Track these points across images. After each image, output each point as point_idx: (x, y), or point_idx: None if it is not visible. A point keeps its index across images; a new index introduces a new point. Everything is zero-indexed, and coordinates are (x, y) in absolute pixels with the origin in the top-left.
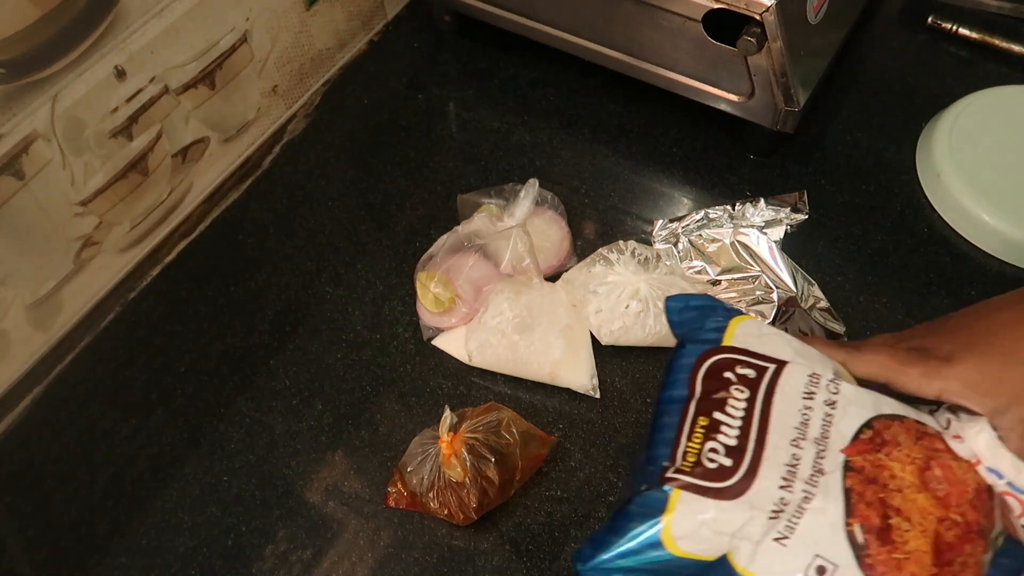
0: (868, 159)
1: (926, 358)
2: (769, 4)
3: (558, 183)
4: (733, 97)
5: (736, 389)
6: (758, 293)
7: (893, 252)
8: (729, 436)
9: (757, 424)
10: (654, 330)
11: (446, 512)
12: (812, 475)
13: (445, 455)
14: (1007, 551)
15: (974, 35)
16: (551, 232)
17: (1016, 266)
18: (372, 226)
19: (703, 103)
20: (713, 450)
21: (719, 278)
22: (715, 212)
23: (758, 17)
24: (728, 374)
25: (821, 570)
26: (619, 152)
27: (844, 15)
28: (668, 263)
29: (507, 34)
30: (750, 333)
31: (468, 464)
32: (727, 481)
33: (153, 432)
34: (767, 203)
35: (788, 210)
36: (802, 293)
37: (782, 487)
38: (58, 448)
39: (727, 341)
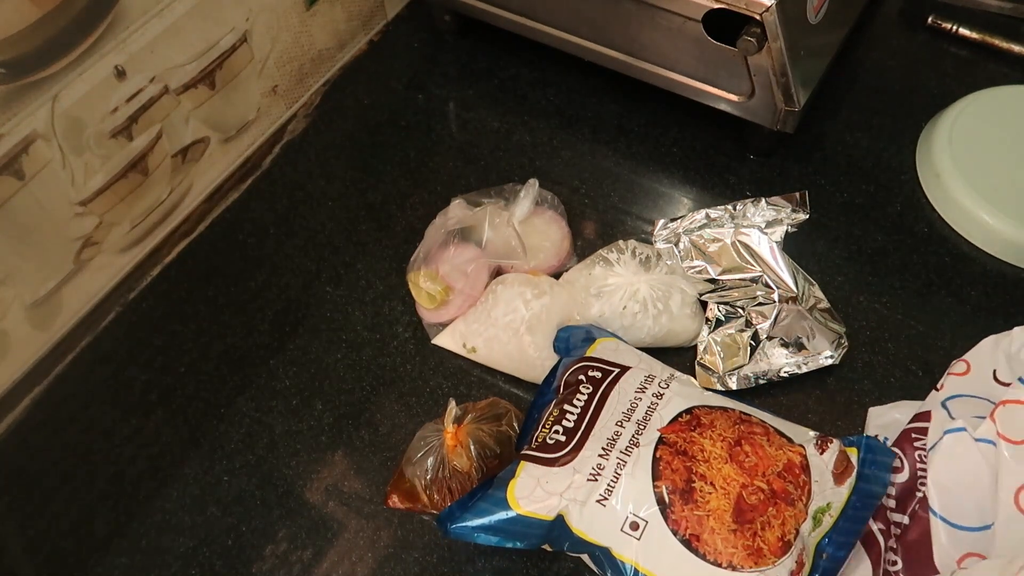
0: (868, 159)
1: None
2: (769, 4)
3: (558, 183)
4: (733, 97)
5: (584, 387)
6: (759, 293)
7: (893, 252)
8: (569, 421)
9: (592, 411)
10: (652, 331)
11: (448, 504)
12: (628, 447)
13: (450, 446)
14: (841, 530)
15: (974, 35)
16: (551, 232)
17: (1016, 266)
18: (372, 226)
19: (703, 103)
20: (556, 431)
21: (720, 278)
22: (716, 212)
23: (758, 17)
24: (581, 376)
25: (635, 525)
26: (619, 152)
27: (844, 15)
28: (669, 263)
29: (507, 34)
30: (608, 348)
31: (473, 454)
32: (559, 452)
33: (153, 432)
34: (767, 203)
35: (788, 210)
36: (803, 293)
37: (600, 455)
38: (58, 448)
39: (588, 353)
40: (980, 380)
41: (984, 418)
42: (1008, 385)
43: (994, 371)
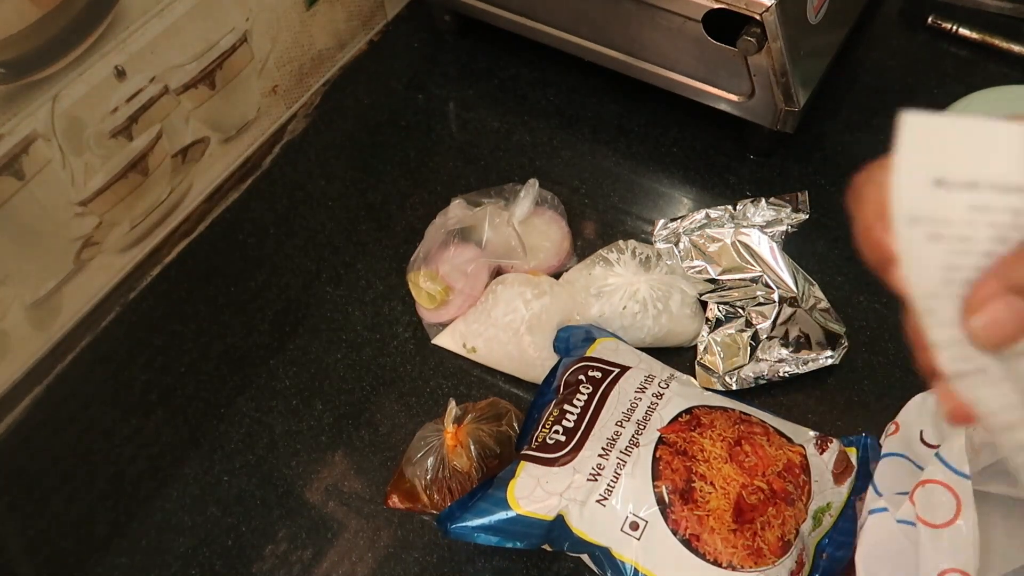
0: (868, 159)
1: None
2: (769, 4)
3: (558, 183)
4: (733, 97)
5: (584, 387)
6: (759, 293)
7: None
8: (569, 421)
9: (592, 411)
10: (652, 331)
11: (448, 504)
12: (628, 447)
13: (450, 446)
14: (841, 529)
15: (974, 35)
16: (551, 232)
17: None
18: (372, 226)
19: (703, 103)
20: (556, 431)
21: (720, 278)
22: (716, 212)
23: (758, 17)
24: (580, 376)
25: (635, 525)
26: (619, 152)
27: (844, 15)
28: (669, 263)
29: (507, 34)
30: (608, 348)
31: (474, 454)
32: (559, 452)
33: (153, 432)
34: (767, 203)
35: (788, 210)
36: (803, 293)
37: (600, 455)
38: (58, 448)
39: (588, 353)
40: (909, 441)
41: (906, 495)
42: (935, 448)
43: (921, 432)
